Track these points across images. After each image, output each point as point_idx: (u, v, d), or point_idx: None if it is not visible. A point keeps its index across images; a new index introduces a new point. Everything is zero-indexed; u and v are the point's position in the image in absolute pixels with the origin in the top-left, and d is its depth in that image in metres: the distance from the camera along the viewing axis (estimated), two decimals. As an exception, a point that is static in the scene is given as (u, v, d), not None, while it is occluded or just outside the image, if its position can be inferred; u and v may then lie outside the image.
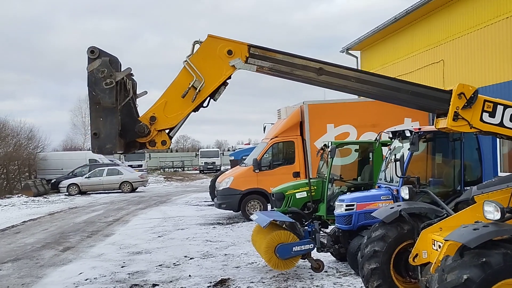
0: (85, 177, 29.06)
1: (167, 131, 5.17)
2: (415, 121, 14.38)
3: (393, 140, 9.05)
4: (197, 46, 5.12)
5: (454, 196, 7.80)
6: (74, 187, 28.50)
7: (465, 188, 7.98)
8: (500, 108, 5.34)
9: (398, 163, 7.77)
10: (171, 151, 71.31)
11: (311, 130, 14.57)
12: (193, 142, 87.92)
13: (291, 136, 14.96)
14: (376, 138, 10.04)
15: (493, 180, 6.07)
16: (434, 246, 5.57)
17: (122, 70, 4.84)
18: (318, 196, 11.07)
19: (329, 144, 10.89)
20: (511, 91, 12.11)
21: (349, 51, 21.69)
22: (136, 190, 29.27)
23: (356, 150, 11.62)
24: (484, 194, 5.59)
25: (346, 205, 8.31)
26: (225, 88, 5.25)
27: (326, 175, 10.83)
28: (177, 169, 57.87)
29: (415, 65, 16.78)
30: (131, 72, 4.96)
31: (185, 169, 58.28)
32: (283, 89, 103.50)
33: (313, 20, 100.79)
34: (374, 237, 6.34)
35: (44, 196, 27.45)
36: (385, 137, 9.93)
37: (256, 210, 14.30)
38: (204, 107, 5.26)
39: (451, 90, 5.30)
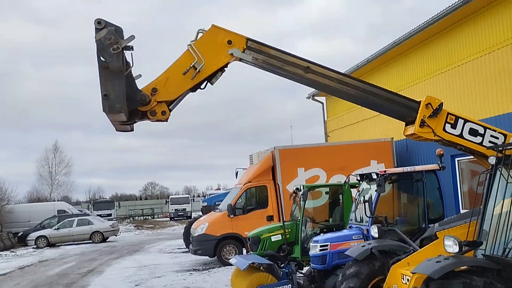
0: (54, 229, 28.46)
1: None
2: (381, 163, 15.16)
3: (361, 182, 9.65)
4: (200, 34, 5.78)
5: (420, 233, 8.37)
6: (43, 239, 27.86)
7: (429, 225, 8.59)
8: (461, 122, 6.11)
9: (366, 204, 8.33)
10: (140, 199, 70.36)
11: (282, 174, 15.11)
12: (162, 189, 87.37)
13: (263, 180, 15.41)
14: (345, 180, 10.61)
15: (453, 217, 6.69)
16: (403, 280, 6.05)
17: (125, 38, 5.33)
18: (293, 239, 11.48)
19: (301, 188, 11.40)
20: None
21: (315, 97, 22.61)
22: (107, 240, 28.83)
23: (326, 193, 12.19)
24: (445, 230, 6.18)
25: (320, 246, 8.74)
26: (221, 74, 5.88)
27: (299, 218, 11.30)
28: (147, 216, 57.07)
29: (377, 110, 17.72)
30: (132, 46, 5.38)
31: (155, 216, 57.54)
32: (251, 134, 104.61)
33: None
34: (348, 274, 6.77)
35: (11, 250, 26.72)
36: (353, 179, 10.55)
37: (231, 255, 14.51)
38: (202, 88, 5.86)
39: (420, 101, 6.02)
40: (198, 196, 66.22)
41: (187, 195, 58.82)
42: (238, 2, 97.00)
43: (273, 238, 11.62)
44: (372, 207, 8.22)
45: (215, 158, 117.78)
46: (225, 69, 5.88)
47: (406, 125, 6.35)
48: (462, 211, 13.05)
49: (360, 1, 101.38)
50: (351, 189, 11.18)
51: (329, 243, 8.70)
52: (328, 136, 22.65)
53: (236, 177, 18.43)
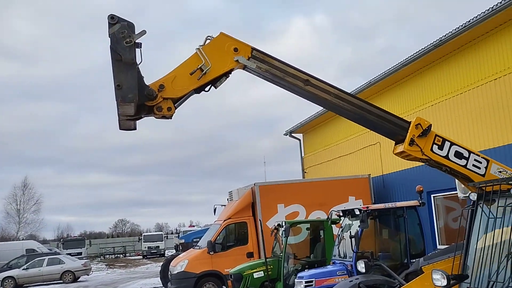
0: (23, 269, 27.42)
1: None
2: (359, 199, 15.42)
3: (342, 218, 9.83)
4: (208, 40, 6.10)
5: (402, 268, 8.54)
6: (10, 280, 26.73)
7: (411, 260, 8.78)
8: (447, 144, 6.43)
9: (350, 239, 8.48)
10: (112, 237, 68.71)
11: (262, 210, 15.14)
12: (133, 226, 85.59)
13: (243, 217, 15.39)
14: (328, 217, 10.78)
15: (437, 252, 6.90)
16: (392, 314, 6.17)
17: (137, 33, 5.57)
18: (275, 275, 11.48)
19: (283, 224, 11.49)
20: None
21: (292, 134, 23.00)
22: (78, 280, 27.93)
23: (307, 229, 12.32)
24: (430, 264, 6.36)
25: (306, 282, 8.81)
26: (226, 79, 6.19)
27: (281, 254, 11.34)
28: (119, 255, 55.63)
29: (355, 147, 18.15)
30: (140, 43, 5.58)
31: (127, 254, 56.12)
32: (225, 170, 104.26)
33: (250, 102, 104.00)
34: (337, 310, 6.84)
35: (-24, 292, 25.61)
36: (333, 215, 10.71)
37: (211, 293, 14.32)
38: (206, 91, 6.13)
39: (411, 121, 6.33)
40: (172, 233, 65.12)
41: (160, 232, 57.79)
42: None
43: (255, 275, 11.61)
44: (356, 243, 8.38)
45: (188, 195, 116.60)
46: (229, 75, 6.24)
47: (395, 144, 6.63)
48: (439, 247, 13.32)
49: (331, 40, 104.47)
50: (332, 225, 11.33)
51: (314, 279, 8.78)
52: (305, 172, 22.91)
53: (214, 214, 18.38)
